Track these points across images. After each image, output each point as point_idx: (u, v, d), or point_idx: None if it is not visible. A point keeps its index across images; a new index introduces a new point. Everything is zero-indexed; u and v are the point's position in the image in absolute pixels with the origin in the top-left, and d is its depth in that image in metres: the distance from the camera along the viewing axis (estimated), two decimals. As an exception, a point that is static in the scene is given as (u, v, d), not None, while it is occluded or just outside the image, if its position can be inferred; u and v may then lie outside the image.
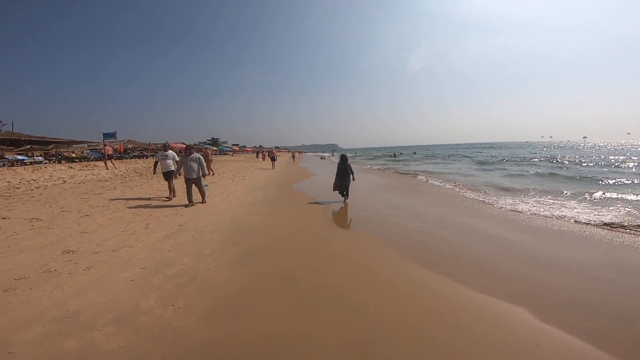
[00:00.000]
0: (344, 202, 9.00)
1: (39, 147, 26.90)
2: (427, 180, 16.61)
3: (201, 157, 8.16)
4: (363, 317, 2.82)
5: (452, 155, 49.61)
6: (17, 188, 10.49)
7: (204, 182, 8.31)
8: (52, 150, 25.68)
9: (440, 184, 14.69)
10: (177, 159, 8.80)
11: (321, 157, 54.33)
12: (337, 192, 9.22)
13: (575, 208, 8.45)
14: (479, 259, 4.50)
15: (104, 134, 37.58)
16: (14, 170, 15.53)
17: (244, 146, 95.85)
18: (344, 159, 9.31)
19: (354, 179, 9.22)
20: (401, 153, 67.03)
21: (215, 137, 77.53)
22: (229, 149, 70.34)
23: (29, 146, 25.33)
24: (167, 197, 9.02)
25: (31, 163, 18.86)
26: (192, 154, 8.08)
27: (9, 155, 19.39)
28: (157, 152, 8.55)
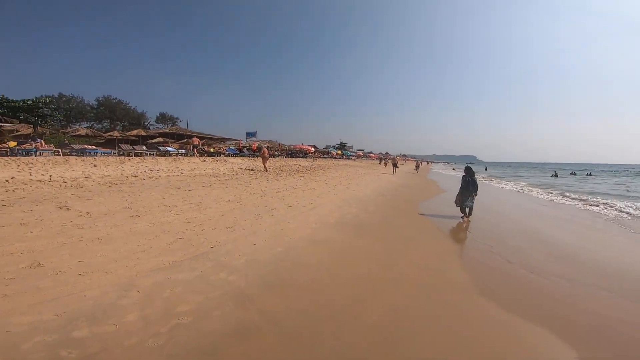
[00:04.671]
0: (464, 218, 8.38)
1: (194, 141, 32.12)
2: None
3: None
4: None
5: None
6: (135, 177, 11.58)
7: None
8: (202, 144, 30.31)
9: None
10: None
11: (453, 169, 49.41)
12: (459, 207, 8.68)
13: None
14: None
15: (247, 133, 43.13)
16: (156, 159, 18.29)
17: (370, 152, 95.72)
18: (470, 172, 8.74)
19: (476, 195, 8.63)
20: (574, 173, 45.13)
21: (343, 142, 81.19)
22: (353, 153, 71.23)
23: (185, 140, 30.53)
24: None
25: (176, 154, 22.20)
26: None
27: (161, 147, 23.46)
28: None
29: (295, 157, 38.42)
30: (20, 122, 22.22)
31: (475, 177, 8.88)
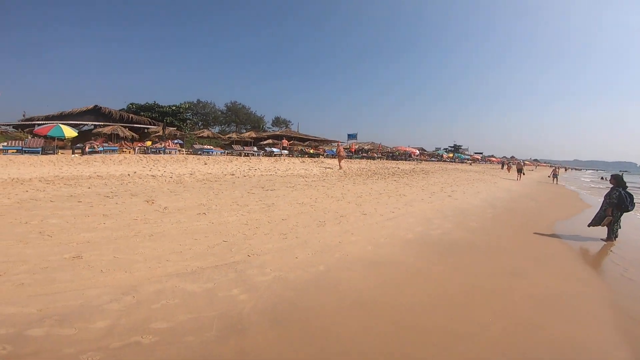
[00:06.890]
0: (610, 240, 6.63)
1: (298, 142, 33.89)
2: None
3: None
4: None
5: None
6: (232, 175, 12.52)
7: None
8: (305, 146, 31.72)
9: None
10: None
11: (601, 178, 41.80)
12: (608, 228, 6.76)
13: None
14: None
15: (348, 135, 43.51)
16: (260, 159, 19.68)
17: (491, 156, 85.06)
18: (620, 183, 6.74)
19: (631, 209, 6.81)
20: None
21: (457, 145, 75.75)
22: (467, 157, 64.42)
23: (292, 141, 32.45)
24: None
25: (279, 155, 23.65)
26: None
27: (268, 148, 25.33)
28: None
29: (397, 160, 36.78)
30: (166, 125, 27.25)
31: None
